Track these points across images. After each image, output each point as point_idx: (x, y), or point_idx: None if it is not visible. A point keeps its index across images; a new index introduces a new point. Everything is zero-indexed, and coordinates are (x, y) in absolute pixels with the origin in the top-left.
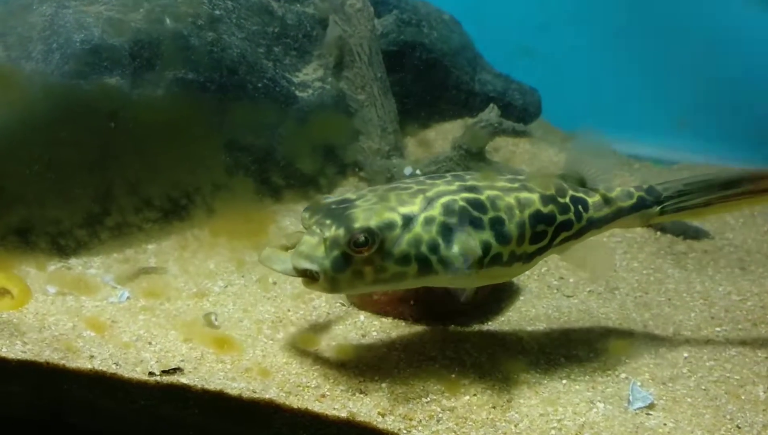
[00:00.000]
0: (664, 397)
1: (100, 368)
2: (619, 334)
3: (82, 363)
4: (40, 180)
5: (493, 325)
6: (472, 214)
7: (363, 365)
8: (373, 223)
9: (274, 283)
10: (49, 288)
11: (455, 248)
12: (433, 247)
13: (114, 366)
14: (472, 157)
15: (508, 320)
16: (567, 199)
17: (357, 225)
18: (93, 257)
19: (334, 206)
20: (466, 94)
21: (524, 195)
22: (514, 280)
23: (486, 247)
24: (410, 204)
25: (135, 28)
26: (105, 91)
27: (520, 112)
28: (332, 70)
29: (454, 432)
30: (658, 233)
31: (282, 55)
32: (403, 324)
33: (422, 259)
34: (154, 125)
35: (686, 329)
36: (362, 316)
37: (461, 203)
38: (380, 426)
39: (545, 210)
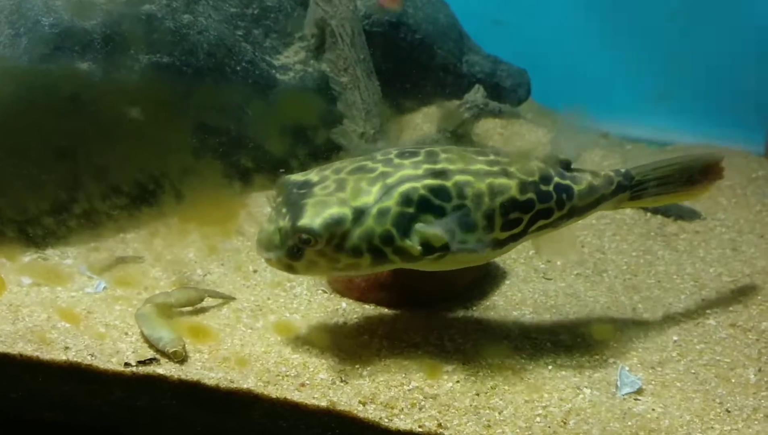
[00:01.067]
0: (653, 382)
1: (75, 360)
2: (607, 318)
3: (57, 355)
4: (3, 166)
5: (477, 311)
6: (432, 202)
7: (344, 353)
8: (318, 222)
9: (255, 272)
10: (24, 279)
11: (414, 238)
12: (387, 239)
13: (89, 357)
14: (458, 139)
15: (494, 305)
16: (551, 187)
17: (300, 223)
18: (68, 248)
19: (295, 190)
20: (453, 76)
21: (500, 181)
22: (500, 264)
23: (451, 235)
24: (366, 194)
25: (106, 10)
26: (71, 76)
27: (509, 93)
28: (314, 52)
29: (437, 420)
30: (648, 214)
31: (262, 38)
32: (386, 310)
33: (375, 251)
34: (122, 110)
35: (676, 312)
36: (344, 302)
37: (422, 192)
38: (361, 415)
39: (522, 198)
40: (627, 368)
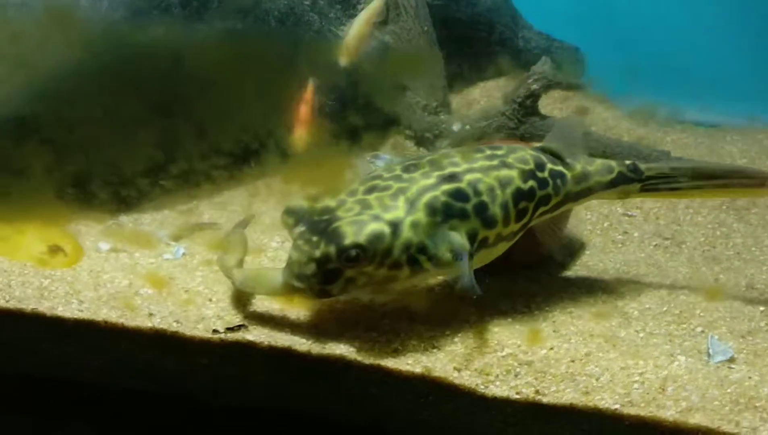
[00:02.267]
0: (745, 351)
1: (161, 326)
2: (690, 287)
3: (142, 321)
4: (99, 127)
5: (561, 279)
6: (455, 207)
7: (433, 320)
8: (363, 237)
9: None
10: (102, 244)
11: (443, 246)
12: (422, 249)
13: (175, 324)
14: (525, 111)
15: (576, 274)
16: (546, 174)
17: (347, 241)
18: (143, 214)
19: (316, 218)
20: (511, 51)
21: (504, 173)
22: (578, 235)
23: (473, 235)
24: (394, 209)
25: None
26: (167, 35)
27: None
28: (377, 23)
29: (534, 386)
30: None
31: (327, 8)
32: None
33: (413, 262)
34: (222, 68)
35: (759, 283)
36: None
37: (443, 199)
38: (456, 381)
39: (525, 186)
40: (716, 337)
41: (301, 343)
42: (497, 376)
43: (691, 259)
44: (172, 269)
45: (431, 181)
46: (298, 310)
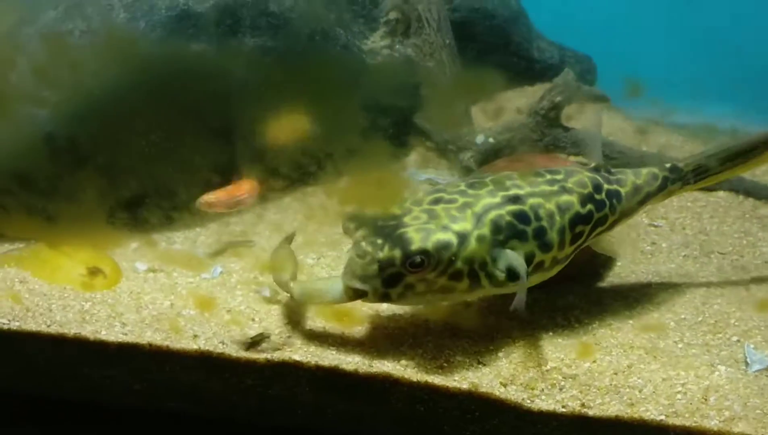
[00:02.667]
0: None
1: (206, 348)
2: (722, 296)
3: (187, 343)
4: (157, 150)
5: (596, 292)
6: (517, 228)
7: (475, 335)
8: (430, 245)
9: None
10: (139, 265)
11: (502, 264)
12: (483, 265)
13: (220, 345)
14: (548, 123)
15: (611, 286)
16: (603, 196)
17: (414, 247)
18: (174, 232)
19: (381, 223)
20: (527, 62)
21: (564, 199)
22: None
23: (530, 258)
24: (462, 220)
25: None
26: (230, 55)
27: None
28: (400, 36)
29: (579, 399)
30: (741, 197)
31: (351, 23)
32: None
33: (473, 276)
34: (284, 88)
35: None
36: None
37: (507, 218)
38: (503, 396)
39: (584, 211)
40: (752, 346)
41: (348, 362)
42: (542, 390)
43: (721, 268)
44: (211, 289)
45: (497, 199)
46: (342, 328)
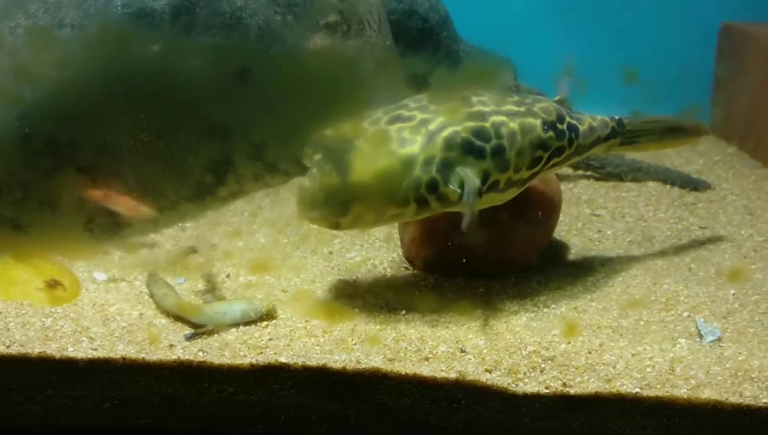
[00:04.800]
0: (729, 330)
1: (186, 358)
2: (669, 276)
3: (164, 354)
4: (147, 150)
5: (557, 279)
6: (474, 145)
7: (454, 325)
8: (369, 175)
9: (330, 253)
10: (97, 275)
11: (454, 184)
12: (432, 187)
13: (200, 354)
14: None
15: (569, 273)
16: (564, 126)
17: (353, 177)
18: (126, 238)
19: (334, 146)
20: (455, 63)
21: (528, 121)
22: (559, 236)
23: (485, 176)
24: (411, 143)
25: None
26: (233, 50)
27: None
28: (340, 38)
29: (560, 380)
30: (668, 186)
31: (294, 24)
32: (474, 281)
33: (421, 200)
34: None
35: (725, 269)
36: (431, 278)
37: (464, 135)
38: (489, 383)
39: (545, 136)
40: (702, 319)
41: (335, 360)
42: (525, 373)
43: (664, 252)
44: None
45: (457, 116)
46: (322, 328)
